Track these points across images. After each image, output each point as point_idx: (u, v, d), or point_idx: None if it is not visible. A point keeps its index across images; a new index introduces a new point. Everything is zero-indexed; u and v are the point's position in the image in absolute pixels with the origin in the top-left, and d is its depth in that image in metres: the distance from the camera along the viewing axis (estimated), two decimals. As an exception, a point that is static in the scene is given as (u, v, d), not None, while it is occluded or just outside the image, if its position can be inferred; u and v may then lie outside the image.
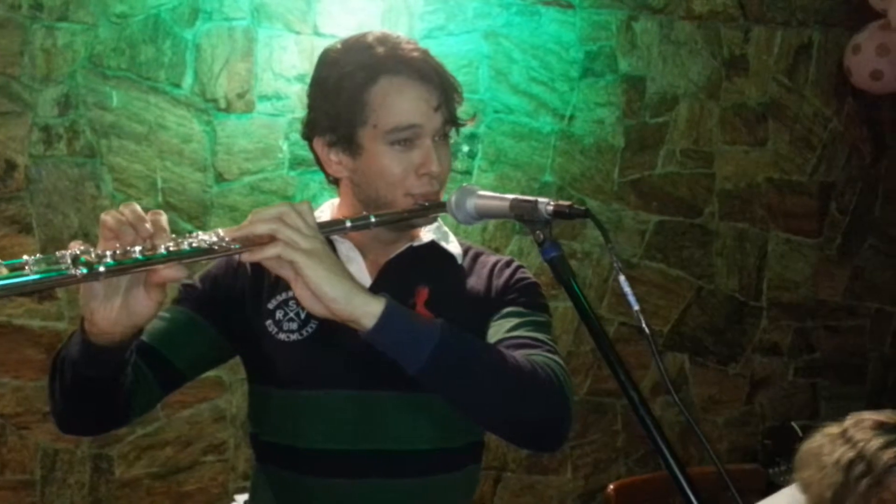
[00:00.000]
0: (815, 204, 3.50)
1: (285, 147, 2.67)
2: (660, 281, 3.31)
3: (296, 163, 2.67)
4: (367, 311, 1.02)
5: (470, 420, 1.12)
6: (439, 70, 1.27)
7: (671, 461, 0.99)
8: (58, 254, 0.90)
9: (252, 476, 1.41)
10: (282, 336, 1.29)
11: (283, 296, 1.30)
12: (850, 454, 1.61)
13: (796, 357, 3.54)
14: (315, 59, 1.31)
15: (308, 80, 1.31)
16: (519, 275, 1.33)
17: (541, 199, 1.10)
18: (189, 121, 2.57)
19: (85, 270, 0.89)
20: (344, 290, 1.01)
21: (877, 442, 1.60)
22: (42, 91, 2.40)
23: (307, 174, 2.65)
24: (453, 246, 1.37)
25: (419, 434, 1.27)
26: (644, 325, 1.02)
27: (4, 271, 0.87)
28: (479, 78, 2.93)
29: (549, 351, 1.19)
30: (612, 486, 2.25)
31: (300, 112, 2.60)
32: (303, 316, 1.28)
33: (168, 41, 2.53)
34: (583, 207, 1.09)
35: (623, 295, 1.04)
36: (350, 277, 1.03)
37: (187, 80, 2.56)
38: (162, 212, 1.01)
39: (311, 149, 1.31)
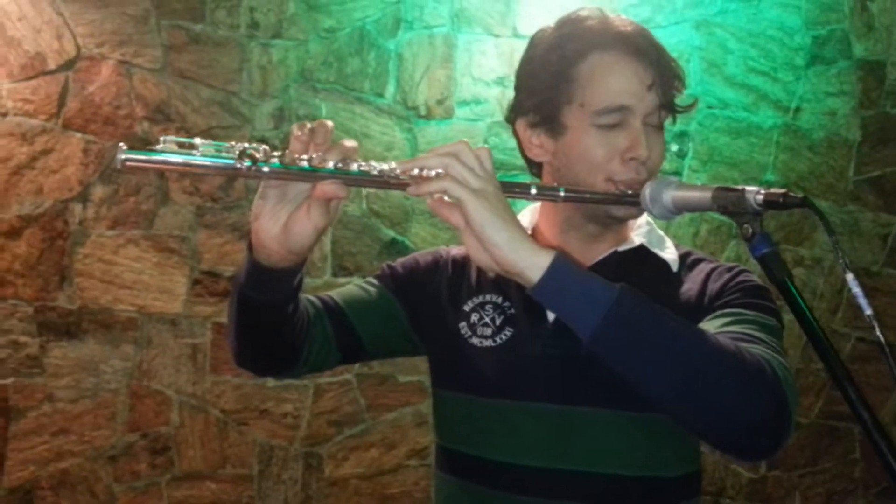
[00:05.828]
0: None
1: (485, 152, 2.65)
2: (906, 291, 2.94)
3: (495, 167, 2.63)
4: (534, 262, 0.91)
5: (654, 404, 0.97)
6: (657, 46, 1.17)
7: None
8: (228, 144, 0.91)
9: (434, 488, 1.34)
10: (475, 341, 1.22)
11: (481, 298, 1.24)
12: None
13: None
14: (515, 62, 1.27)
15: (507, 83, 1.26)
16: (741, 277, 1.16)
17: (748, 188, 0.97)
18: (391, 129, 2.62)
19: (249, 163, 0.90)
20: (509, 236, 0.91)
21: None
22: (259, 105, 2.54)
23: (506, 178, 2.60)
24: (668, 252, 1.22)
25: (625, 458, 1.13)
26: (878, 331, 0.87)
27: (174, 147, 0.89)
28: (690, 71, 2.75)
29: (770, 349, 1.01)
30: (843, 521, 2.00)
31: (499, 116, 2.57)
32: (498, 322, 1.21)
33: (372, 52, 2.60)
34: (799, 195, 0.94)
35: (855, 298, 0.88)
36: (520, 226, 0.93)
37: (390, 90, 2.61)
38: (353, 141, 0.99)
39: (514, 133, 1.25)
